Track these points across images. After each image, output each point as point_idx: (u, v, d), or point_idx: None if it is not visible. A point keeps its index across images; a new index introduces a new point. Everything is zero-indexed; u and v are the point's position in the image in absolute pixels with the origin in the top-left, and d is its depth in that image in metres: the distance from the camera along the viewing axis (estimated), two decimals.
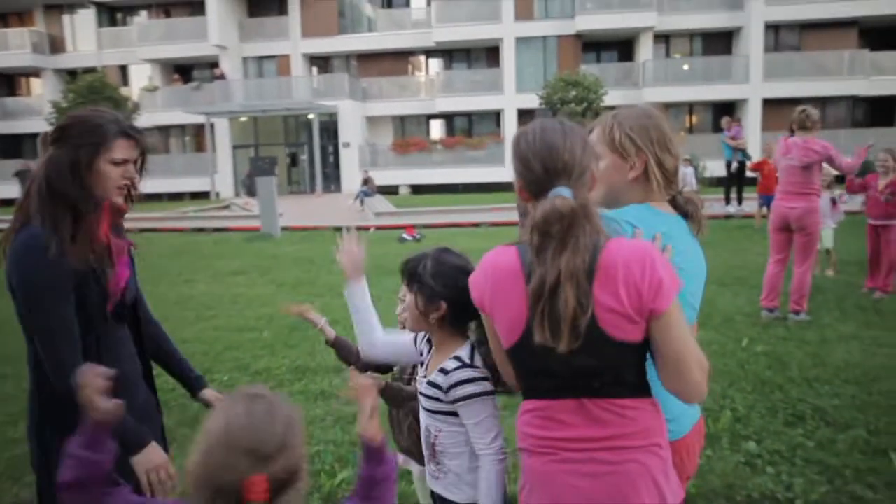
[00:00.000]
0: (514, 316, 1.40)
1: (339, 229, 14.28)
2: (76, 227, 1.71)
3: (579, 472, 1.41)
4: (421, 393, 1.79)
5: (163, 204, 24.49)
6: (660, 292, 1.35)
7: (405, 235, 12.04)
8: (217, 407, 1.18)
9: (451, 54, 28.69)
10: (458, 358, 1.72)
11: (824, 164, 5.89)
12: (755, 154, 15.06)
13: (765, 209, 10.62)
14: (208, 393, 2.20)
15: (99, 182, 1.75)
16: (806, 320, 5.74)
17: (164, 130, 29.72)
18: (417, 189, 26.59)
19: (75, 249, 1.68)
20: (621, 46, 27.42)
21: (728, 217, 13.80)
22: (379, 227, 14.51)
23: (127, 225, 1.97)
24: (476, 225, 14.24)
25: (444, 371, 1.71)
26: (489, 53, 28.11)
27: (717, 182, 18.80)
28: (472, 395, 1.65)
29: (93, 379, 1.31)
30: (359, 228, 15.02)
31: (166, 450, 2.02)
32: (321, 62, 29.36)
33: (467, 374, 1.67)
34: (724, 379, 4.35)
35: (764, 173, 10.70)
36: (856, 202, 7.33)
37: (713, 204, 15.46)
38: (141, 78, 29.76)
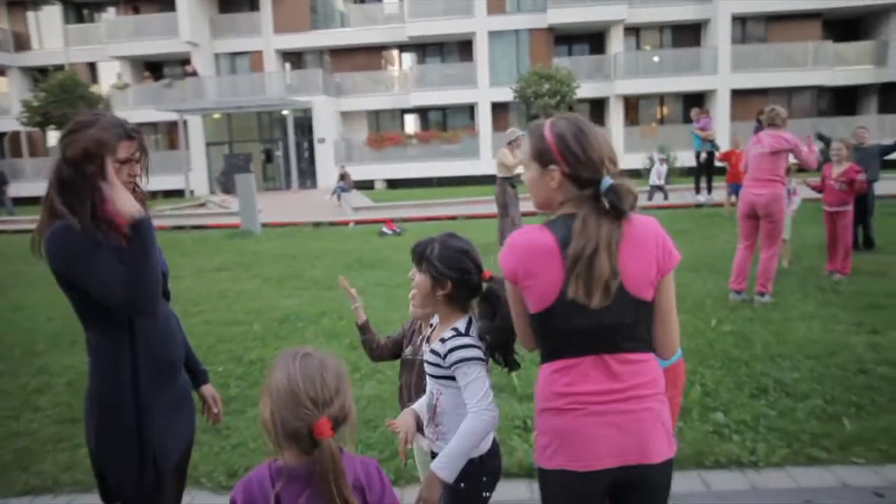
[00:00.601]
0: (549, 281, 1.63)
1: (318, 224, 14.41)
2: (97, 220, 1.88)
3: (605, 423, 1.64)
4: (425, 361, 2.00)
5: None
6: (671, 256, 1.69)
7: (385, 229, 12.20)
8: (275, 368, 1.41)
9: (424, 48, 28.81)
10: (455, 329, 1.94)
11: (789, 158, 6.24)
12: (724, 145, 15.50)
13: (733, 198, 10.98)
14: (208, 389, 2.37)
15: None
16: (770, 302, 6.07)
17: None
18: (393, 183, 26.70)
19: (100, 236, 1.86)
20: (593, 39, 27.77)
21: (699, 206, 14.19)
22: (358, 222, 14.66)
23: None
24: (453, 218, 14.45)
25: (443, 340, 1.93)
26: (462, 47, 28.29)
27: (687, 172, 19.23)
28: (465, 358, 1.88)
29: None
30: (337, 223, 15.18)
31: (191, 433, 2.20)
32: (294, 58, 29.29)
33: (462, 341, 1.90)
34: (694, 357, 4.63)
35: (732, 163, 11.06)
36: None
37: (684, 193, 15.89)
38: (110, 75, 29.41)
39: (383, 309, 6.13)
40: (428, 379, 2.02)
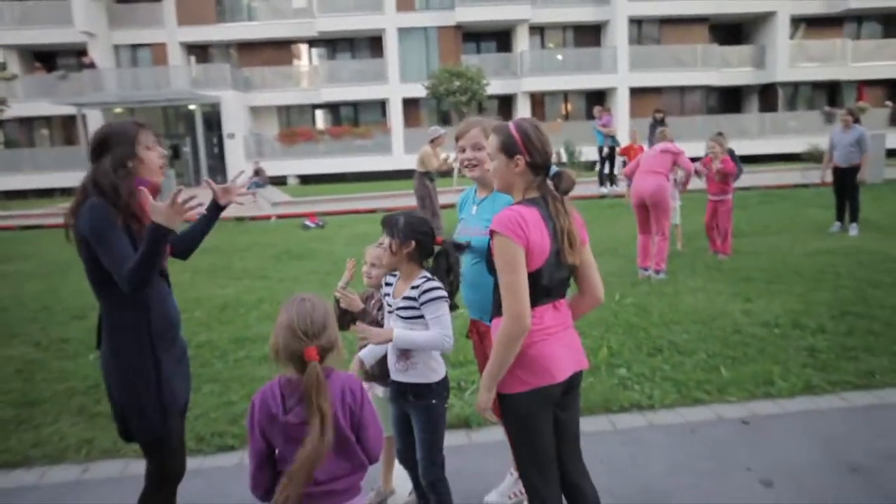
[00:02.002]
0: (543, 247, 2.13)
1: (240, 219, 14.41)
2: (126, 210, 2.24)
3: (561, 345, 2.23)
4: (397, 309, 2.48)
5: (30, 202, 23.08)
6: (584, 228, 2.30)
7: (308, 223, 12.45)
8: (281, 307, 1.89)
9: (334, 44, 28.80)
10: (425, 276, 2.49)
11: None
12: (623, 140, 16.66)
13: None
14: None
15: (145, 168, 2.30)
16: (665, 279, 6.93)
17: (27, 123, 27.80)
18: (306, 179, 26.64)
19: (131, 220, 2.23)
20: (500, 37, 28.71)
21: (602, 197, 15.25)
22: (280, 216, 14.77)
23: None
24: (373, 211, 14.84)
25: (415, 287, 2.45)
26: (373, 43, 28.51)
27: (591, 166, 20.43)
28: (436, 297, 2.42)
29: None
30: (258, 218, 15.17)
31: (189, 385, 2.57)
32: (199, 51, 28.55)
33: (434, 284, 2.45)
34: (601, 325, 5.33)
35: (631, 156, 12.05)
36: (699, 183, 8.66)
37: (589, 186, 16.97)
38: None
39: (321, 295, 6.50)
40: (400, 323, 2.49)
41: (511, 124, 2.26)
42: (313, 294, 1.93)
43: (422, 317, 2.43)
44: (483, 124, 2.74)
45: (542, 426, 2.23)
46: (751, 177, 17.17)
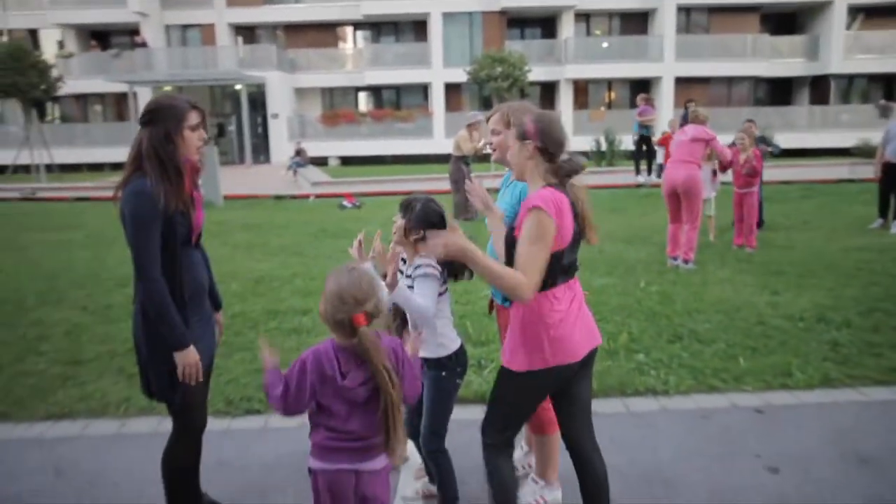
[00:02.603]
0: (569, 227, 2.26)
1: (280, 197, 14.75)
2: (173, 181, 2.42)
3: (581, 321, 2.36)
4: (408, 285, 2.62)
5: (83, 175, 23.93)
6: None
7: (345, 203, 12.68)
8: (329, 276, 2.02)
9: (378, 27, 28.96)
10: (422, 258, 2.60)
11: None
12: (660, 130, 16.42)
13: None
14: (218, 315, 2.89)
15: (185, 146, 2.46)
16: (693, 268, 6.92)
17: (82, 99, 28.77)
18: (346, 161, 26.95)
19: (172, 196, 2.39)
20: (545, 23, 28.47)
21: (639, 186, 15.12)
22: (318, 196, 15.07)
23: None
24: (409, 193, 14.97)
25: (415, 266, 2.60)
26: (417, 27, 28.56)
27: (630, 155, 20.20)
28: (425, 273, 2.54)
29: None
30: (298, 197, 15.51)
31: (214, 348, 2.75)
32: (247, 32, 29.02)
33: (424, 261, 2.56)
34: (623, 311, 5.39)
35: (668, 147, 11.91)
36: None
37: (627, 175, 16.83)
38: (51, 43, 28.57)
39: None
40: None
41: (528, 116, 2.38)
42: (358, 264, 2.08)
43: None
44: (503, 110, 2.85)
45: (539, 399, 2.39)
46: (794, 170, 16.83)
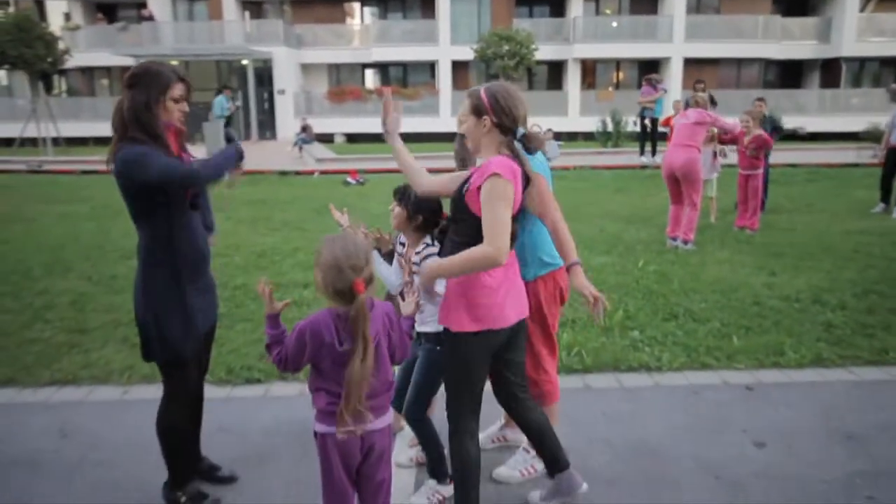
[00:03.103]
0: (520, 192, 2.33)
1: (284, 173, 14.78)
2: (157, 144, 2.46)
3: (512, 291, 2.41)
4: (413, 265, 2.69)
5: (89, 148, 23.97)
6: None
7: (349, 179, 12.72)
8: (323, 245, 2.05)
9: (386, 3, 28.72)
10: (426, 242, 2.71)
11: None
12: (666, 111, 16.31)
13: None
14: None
15: (166, 114, 2.49)
16: (693, 249, 6.96)
17: (88, 72, 28.73)
18: (352, 138, 26.87)
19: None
20: (553, 2, 28.17)
21: (643, 167, 15.09)
22: (323, 172, 15.10)
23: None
24: None
25: (418, 252, 2.69)
26: (424, 4, 28.29)
27: (636, 136, 20.10)
28: (429, 255, 2.63)
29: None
30: (302, 173, 15.54)
31: (214, 316, 2.82)
32: (254, 7, 28.81)
33: (433, 250, 2.65)
34: (621, 289, 5.45)
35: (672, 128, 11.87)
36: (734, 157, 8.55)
37: (632, 156, 16.79)
38: (57, 15, 28.47)
39: None
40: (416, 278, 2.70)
41: (482, 88, 2.40)
42: (347, 232, 2.12)
43: None
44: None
45: (479, 369, 2.45)
46: (800, 153, 16.73)
